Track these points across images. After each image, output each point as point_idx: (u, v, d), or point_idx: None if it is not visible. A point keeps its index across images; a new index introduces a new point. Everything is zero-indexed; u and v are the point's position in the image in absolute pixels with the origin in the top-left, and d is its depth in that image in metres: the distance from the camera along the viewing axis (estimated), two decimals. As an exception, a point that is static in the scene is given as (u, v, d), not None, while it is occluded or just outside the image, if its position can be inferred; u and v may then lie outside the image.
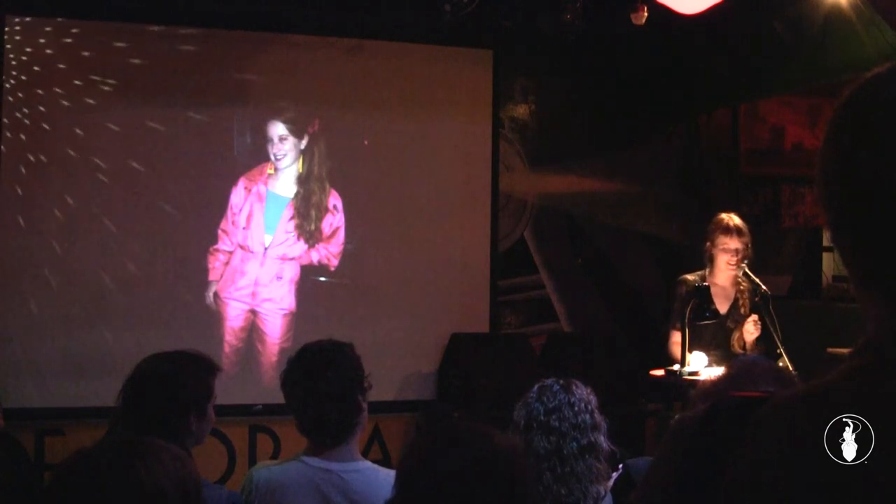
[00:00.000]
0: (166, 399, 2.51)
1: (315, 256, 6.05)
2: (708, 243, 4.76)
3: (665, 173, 6.82)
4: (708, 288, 4.65)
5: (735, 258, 4.63)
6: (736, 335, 4.75)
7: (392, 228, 6.18)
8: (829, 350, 4.63)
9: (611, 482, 2.71)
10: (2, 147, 5.53)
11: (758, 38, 5.76)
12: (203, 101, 5.86)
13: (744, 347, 4.75)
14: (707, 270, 4.79)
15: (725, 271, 4.70)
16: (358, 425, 2.71)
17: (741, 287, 4.73)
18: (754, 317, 4.63)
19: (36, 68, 5.59)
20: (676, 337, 4.70)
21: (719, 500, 0.92)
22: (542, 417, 2.62)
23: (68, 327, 5.60)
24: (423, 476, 1.81)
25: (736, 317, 4.77)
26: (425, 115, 6.26)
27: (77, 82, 5.65)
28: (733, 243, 4.65)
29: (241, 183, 5.93)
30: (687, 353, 4.55)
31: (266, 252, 5.95)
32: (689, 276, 4.79)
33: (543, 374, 2.94)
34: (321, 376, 2.63)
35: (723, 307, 4.78)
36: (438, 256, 6.24)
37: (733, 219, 4.68)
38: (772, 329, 4.51)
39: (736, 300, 4.77)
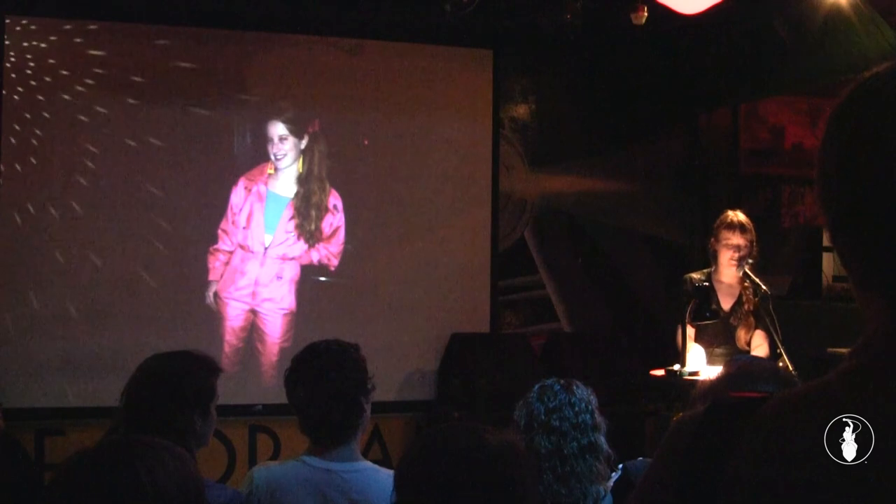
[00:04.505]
0: (170, 399, 2.50)
1: (315, 256, 6.06)
2: (712, 239, 4.77)
3: (665, 173, 6.82)
4: (708, 288, 4.65)
5: (737, 254, 4.63)
6: (740, 332, 4.76)
7: (392, 228, 6.18)
8: (829, 350, 4.63)
9: (611, 482, 2.71)
10: (1, 146, 5.53)
11: (758, 38, 5.76)
12: (203, 101, 5.86)
13: (748, 344, 4.76)
14: (712, 268, 4.80)
15: (729, 268, 4.70)
16: (360, 427, 2.71)
17: (745, 284, 4.73)
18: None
19: (36, 68, 5.59)
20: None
21: (719, 501, 0.92)
22: (542, 417, 2.62)
23: (68, 327, 5.60)
24: (418, 479, 1.81)
25: (740, 314, 4.76)
26: (425, 115, 6.26)
27: (76, 82, 5.65)
28: (735, 239, 4.64)
29: (241, 183, 5.94)
30: (687, 353, 4.55)
31: (266, 252, 5.95)
32: (694, 275, 4.79)
33: (543, 374, 2.94)
34: (326, 377, 2.63)
35: (727, 304, 4.78)
36: (438, 256, 6.24)
37: (738, 215, 4.69)
38: (772, 329, 4.51)
39: (740, 297, 4.77)
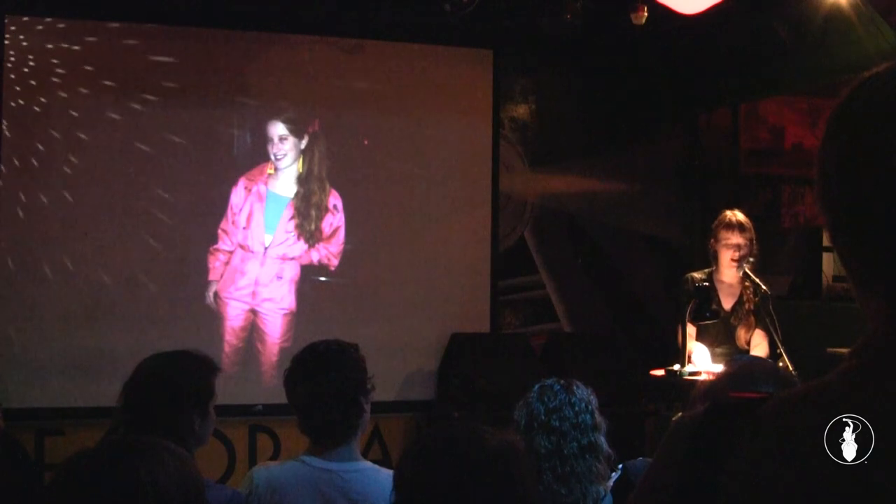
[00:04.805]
0: (169, 399, 2.50)
1: (315, 256, 6.06)
2: (712, 240, 4.78)
3: (665, 173, 6.82)
4: (708, 288, 4.65)
5: (737, 254, 4.64)
6: (741, 332, 4.76)
7: (392, 228, 6.18)
8: (829, 350, 4.63)
9: (611, 482, 2.71)
10: (2, 146, 5.53)
11: (758, 38, 5.76)
12: (203, 101, 5.86)
13: (748, 344, 4.76)
14: (713, 268, 4.81)
15: (729, 268, 4.71)
16: (360, 427, 2.71)
17: (746, 284, 4.74)
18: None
19: (36, 68, 5.59)
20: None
21: (719, 502, 0.92)
22: (542, 417, 2.62)
23: (68, 327, 5.60)
24: (418, 479, 1.82)
25: (740, 314, 4.77)
26: (425, 115, 6.26)
27: (77, 82, 5.65)
28: (735, 238, 4.65)
29: (241, 183, 5.94)
30: (687, 353, 4.56)
31: (266, 252, 5.95)
32: (696, 274, 4.80)
33: (543, 374, 2.94)
34: (325, 377, 2.64)
35: (728, 304, 4.78)
36: (438, 256, 6.24)
37: (737, 215, 4.70)
38: (772, 329, 4.51)
39: (741, 297, 4.78)
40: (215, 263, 5.88)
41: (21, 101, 5.57)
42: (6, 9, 5.54)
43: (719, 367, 4.30)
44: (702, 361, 4.61)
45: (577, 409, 2.63)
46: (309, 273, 6.04)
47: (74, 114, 5.64)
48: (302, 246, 6.03)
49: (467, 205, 6.34)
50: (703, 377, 4.35)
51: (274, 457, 5.60)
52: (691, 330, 4.66)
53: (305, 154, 6.06)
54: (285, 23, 5.96)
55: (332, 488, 2.63)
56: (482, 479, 1.77)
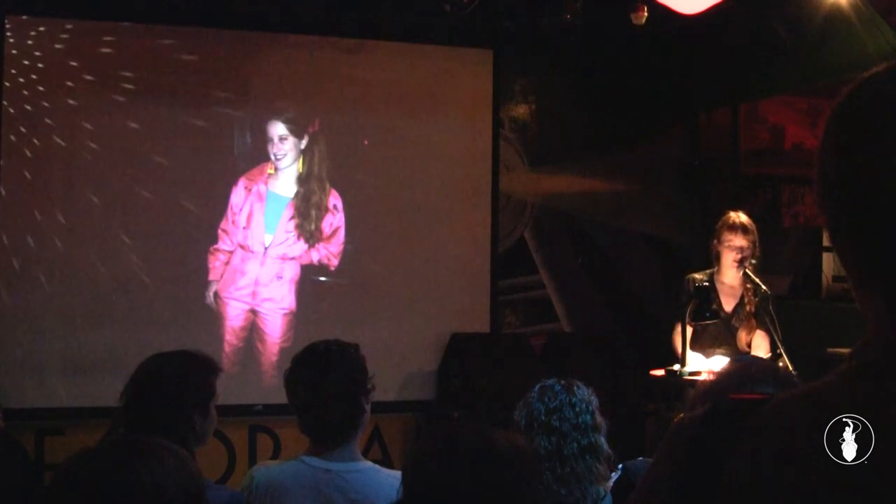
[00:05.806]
0: (170, 399, 2.50)
1: (315, 256, 6.06)
2: (714, 241, 4.78)
3: (665, 173, 6.82)
4: (708, 288, 4.66)
5: (739, 255, 4.64)
6: (742, 334, 4.76)
7: (392, 228, 6.18)
8: (829, 350, 4.63)
9: (611, 483, 2.71)
10: (2, 146, 5.53)
11: (758, 38, 5.76)
12: (203, 101, 5.86)
13: (749, 345, 4.76)
14: (715, 269, 4.81)
15: (731, 269, 4.71)
16: (360, 427, 2.71)
17: (748, 286, 4.73)
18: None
19: (36, 68, 5.59)
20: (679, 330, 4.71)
21: (719, 502, 0.92)
22: (543, 417, 2.61)
23: (68, 327, 5.60)
24: (426, 478, 1.82)
25: (742, 315, 4.77)
26: (425, 115, 6.26)
27: (77, 82, 5.65)
28: (738, 240, 4.66)
29: (241, 183, 5.93)
30: (687, 353, 4.55)
31: (266, 252, 5.95)
32: (697, 275, 4.80)
33: (543, 375, 2.94)
34: (325, 377, 2.64)
35: (728, 305, 4.78)
36: (438, 256, 6.24)
37: (740, 216, 4.70)
38: (772, 329, 4.51)
39: (742, 299, 4.77)
40: (215, 263, 5.88)
41: (21, 101, 5.57)
42: (6, 9, 5.54)
43: (720, 364, 4.31)
44: (698, 364, 4.60)
45: (577, 409, 2.63)
46: (309, 273, 6.04)
47: (74, 114, 5.64)
48: (302, 246, 6.03)
49: (467, 205, 6.34)
50: (703, 377, 4.35)
51: (274, 457, 5.60)
52: (689, 330, 4.66)
53: (305, 154, 6.06)
54: (285, 23, 5.96)
55: (332, 488, 2.63)
56: (491, 479, 1.78)
